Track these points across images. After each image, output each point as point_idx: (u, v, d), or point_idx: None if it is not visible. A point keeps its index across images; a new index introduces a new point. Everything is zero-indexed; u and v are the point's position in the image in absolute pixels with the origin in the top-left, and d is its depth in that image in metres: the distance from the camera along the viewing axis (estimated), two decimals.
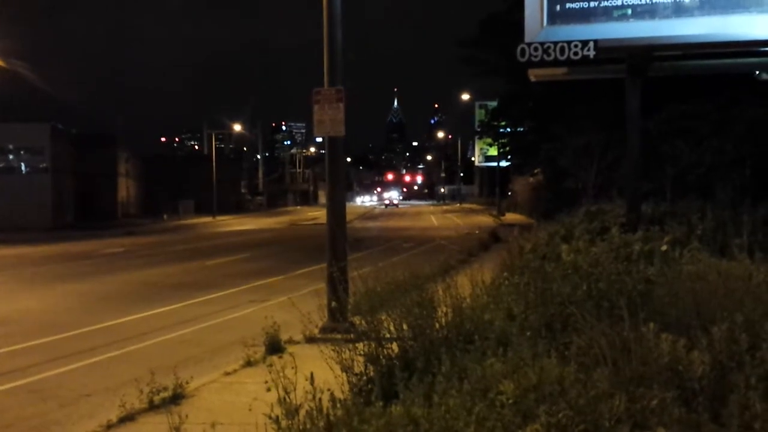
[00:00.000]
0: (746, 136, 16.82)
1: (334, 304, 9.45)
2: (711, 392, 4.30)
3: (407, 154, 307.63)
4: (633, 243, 9.16)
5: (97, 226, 49.52)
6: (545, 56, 11.52)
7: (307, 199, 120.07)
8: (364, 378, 5.83)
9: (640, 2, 11.53)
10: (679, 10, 11.39)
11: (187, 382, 7.50)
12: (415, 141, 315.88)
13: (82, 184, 59.42)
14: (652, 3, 11.49)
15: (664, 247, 8.67)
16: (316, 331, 9.38)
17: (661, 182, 18.25)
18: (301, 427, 4.27)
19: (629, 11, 11.57)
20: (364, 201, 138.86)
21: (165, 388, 7.17)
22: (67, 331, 11.80)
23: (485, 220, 50.52)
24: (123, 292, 16.84)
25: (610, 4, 11.67)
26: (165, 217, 62.98)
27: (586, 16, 11.76)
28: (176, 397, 7.20)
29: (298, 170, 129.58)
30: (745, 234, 9.52)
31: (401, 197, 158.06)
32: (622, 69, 11.84)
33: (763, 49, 11.60)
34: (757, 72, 13.24)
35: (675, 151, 17.71)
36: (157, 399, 7.00)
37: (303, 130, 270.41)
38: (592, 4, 11.74)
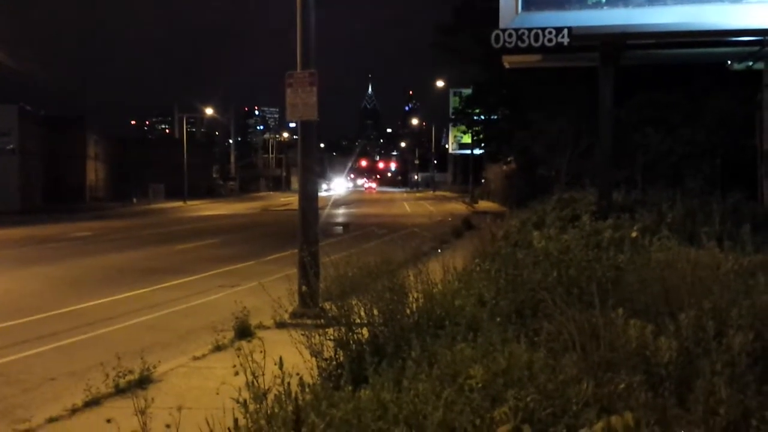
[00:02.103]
0: (717, 127, 17.00)
1: (304, 289, 9.38)
2: (677, 377, 4.33)
3: (381, 140, 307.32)
4: (603, 230, 9.24)
5: (65, 209, 48.83)
6: (519, 43, 11.53)
7: (280, 184, 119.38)
8: (334, 363, 5.81)
9: None
10: None
11: (154, 367, 7.42)
12: (389, 128, 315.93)
13: (50, 167, 58.57)
14: None
15: (634, 235, 8.75)
16: (286, 316, 9.30)
17: (633, 170, 18.41)
18: (268, 411, 4.22)
19: None
20: (330, 189, 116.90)
21: (131, 372, 7.08)
22: (33, 314, 11.61)
23: (458, 207, 50.67)
24: (90, 276, 16.61)
25: None
26: (134, 200, 62.36)
27: (560, 3, 11.80)
28: (143, 381, 7.12)
29: (270, 155, 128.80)
30: (715, 223, 9.63)
31: (375, 184, 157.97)
32: (596, 57, 11.90)
33: (735, 38, 11.72)
34: (729, 62, 13.36)
35: (646, 140, 17.86)
36: (123, 383, 6.90)
37: (276, 115, 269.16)
38: None
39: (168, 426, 4.14)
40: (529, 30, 11.42)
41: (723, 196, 12.42)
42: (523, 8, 11.92)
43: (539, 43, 11.34)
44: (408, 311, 6.17)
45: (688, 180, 15.51)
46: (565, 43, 11.33)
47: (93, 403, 6.55)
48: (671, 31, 11.37)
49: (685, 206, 11.55)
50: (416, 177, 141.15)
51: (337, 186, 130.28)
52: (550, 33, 11.27)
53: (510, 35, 11.51)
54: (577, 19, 11.59)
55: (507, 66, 14.18)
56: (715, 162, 16.87)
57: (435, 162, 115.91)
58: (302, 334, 5.88)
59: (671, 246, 7.70)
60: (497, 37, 11.60)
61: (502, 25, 11.92)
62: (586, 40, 11.61)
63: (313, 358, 5.81)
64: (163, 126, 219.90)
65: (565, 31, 11.26)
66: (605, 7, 11.64)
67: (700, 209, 11.19)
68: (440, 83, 73.77)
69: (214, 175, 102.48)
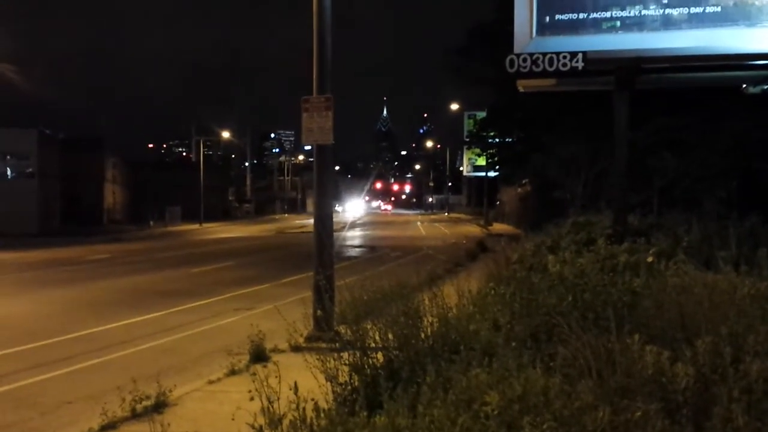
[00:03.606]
0: (732, 149, 16.94)
1: (319, 313, 9.42)
2: (694, 404, 4.29)
3: (396, 163, 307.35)
4: (619, 254, 9.19)
5: (83, 232, 49.20)
6: (534, 67, 11.56)
7: (295, 206, 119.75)
8: (349, 388, 5.79)
9: (629, 14, 11.62)
10: (667, 23, 11.49)
11: (170, 391, 7.42)
12: (403, 150, 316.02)
13: (68, 190, 59.08)
14: (640, 15, 11.58)
15: (650, 259, 8.70)
16: (301, 340, 9.34)
17: (648, 194, 18.35)
18: None
19: (618, 23, 11.65)
20: (345, 211, 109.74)
21: (147, 397, 7.10)
22: (50, 337, 11.68)
23: (473, 230, 50.59)
24: (107, 299, 16.71)
25: (599, 16, 11.75)
26: (151, 223, 62.66)
27: (575, 27, 11.83)
28: (159, 406, 7.13)
29: (286, 178, 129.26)
30: (731, 247, 9.56)
31: (390, 207, 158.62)
32: (611, 81, 11.90)
33: (750, 62, 11.69)
34: (744, 85, 13.33)
35: (662, 163, 17.81)
36: (139, 407, 6.93)
37: (292, 138, 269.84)
38: (581, 15, 11.82)
39: None
40: (544, 55, 11.46)
41: (739, 219, 12.33)
42: (537, 33, 11.98)
43: (554, 68, 11.37)
44: (423, 335, 6.15)
45: (705, 203, 15.42)
46: (580, 68, 11.35)
47: (109, 427, 6.56)
48: (686, 56, 11.35)
49: (702, 230, 11.47)
50: (431, 199, 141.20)
51: (353, 208, 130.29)
52: (564, 57, 11.30)
53: (524, 60, 11.55)
54: (591, 43, 11.63)
55: (521, 90, 14.21)
56: (731, 185, 16.79)
57: (449, 184, 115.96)
58: (317, 359, 5.87)
59: (687, 270, 7.64)
60: (512, 61, 11.64)
61: (516, 49, 11.97)
62: (601, 64, 11.62)
63: (328, 383, 5.79)
64: (180, 149, 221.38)
65: (580, 56, 11.29)
66: (620, 32, 11.66)
67: (717, 233, 11.11)
68: (455, 106, 73.94)
69: (230, 198, 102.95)
